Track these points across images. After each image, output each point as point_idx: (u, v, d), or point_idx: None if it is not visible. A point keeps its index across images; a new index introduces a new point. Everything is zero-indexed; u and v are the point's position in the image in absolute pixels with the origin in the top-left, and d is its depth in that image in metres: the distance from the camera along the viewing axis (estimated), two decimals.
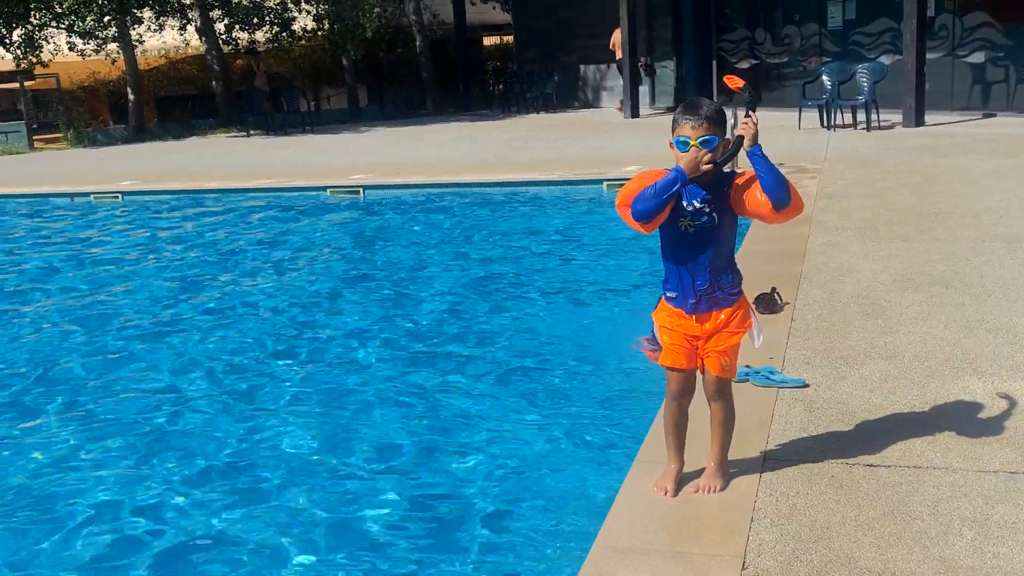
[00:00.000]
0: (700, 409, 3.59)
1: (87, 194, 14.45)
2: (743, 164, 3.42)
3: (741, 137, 3.29)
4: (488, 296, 7.82)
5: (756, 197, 3.30)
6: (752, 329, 3.49)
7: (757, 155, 3.28)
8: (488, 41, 34.68)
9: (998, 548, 3.05)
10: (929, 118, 15.60)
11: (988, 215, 8.23)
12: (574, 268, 8.55)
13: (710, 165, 3.25)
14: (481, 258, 9.26)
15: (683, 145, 3.26)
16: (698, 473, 3.60)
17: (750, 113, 3.32)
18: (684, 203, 3.35)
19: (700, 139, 3.24)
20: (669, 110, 22.61)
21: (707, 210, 3.34)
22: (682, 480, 3.58)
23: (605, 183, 11.91)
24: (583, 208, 11.43)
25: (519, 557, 3.78)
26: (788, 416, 4.19)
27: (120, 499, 4.49)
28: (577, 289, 7.78)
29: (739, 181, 3.35)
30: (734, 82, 3.37)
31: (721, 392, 3.53)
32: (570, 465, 4.54)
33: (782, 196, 3.26)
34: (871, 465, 3.67)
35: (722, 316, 3.43)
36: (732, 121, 11.48)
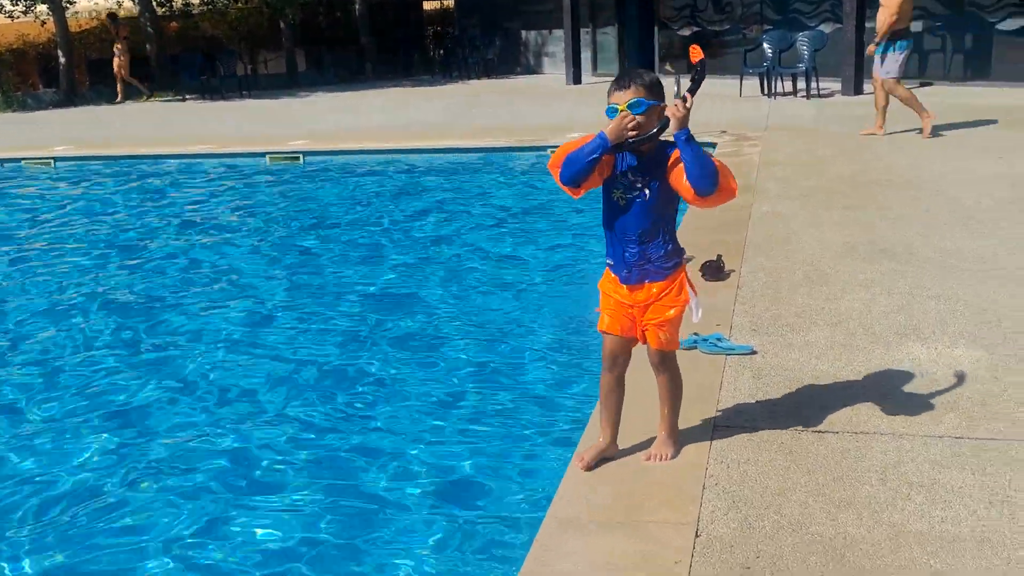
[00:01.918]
0: (647, 382, 3.58)
1: (18, 160, 14.05)
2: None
3: (667, 118, 3.21)
4: (428, 264, 7.74)
5: (681, 181, 3.21)
6: (691, 303, 3.42)
7: (682, 140, 3.17)
8: (428, 6, 34.30)
9: (945, 512, 3.10)
10: (867, 86, 15.75)
11: (928, 184, 8.35)
12: (517, 235, 8.51)
13: (635, 132, 3.18)
14: (422, 225, 9.17)
15: (612, 112, 3.21)
16: (637, 449, 3.60)
17: (686, 95, 3.20)
18: (619, 173, 3.31)
19: (628, 103, 3.18)
20: (612, 77, 22.61)
21: (639, 184, 3.29)
22: (611, 456, 3.55)
23: (549, 150, 11.84)
24: (525, 175, 11.38)
25: (470, 534, 3.75)
26: (737, 383, 4.21)
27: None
28: (519, 257, 7.74)
29: (674, 158, 3.24)
30: (696, 53, 3.30)
31: (664, 364, 3.50)
32: (520, 439, 4.51)
33: (705, 185, 3.15)
34: (820, 431, 3.69)
35: (654, 289, 3.37)
36: (676, 89, 11.46)
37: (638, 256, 3.34)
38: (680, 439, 3.60)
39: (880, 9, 10.53)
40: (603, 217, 3.43)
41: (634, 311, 3.42)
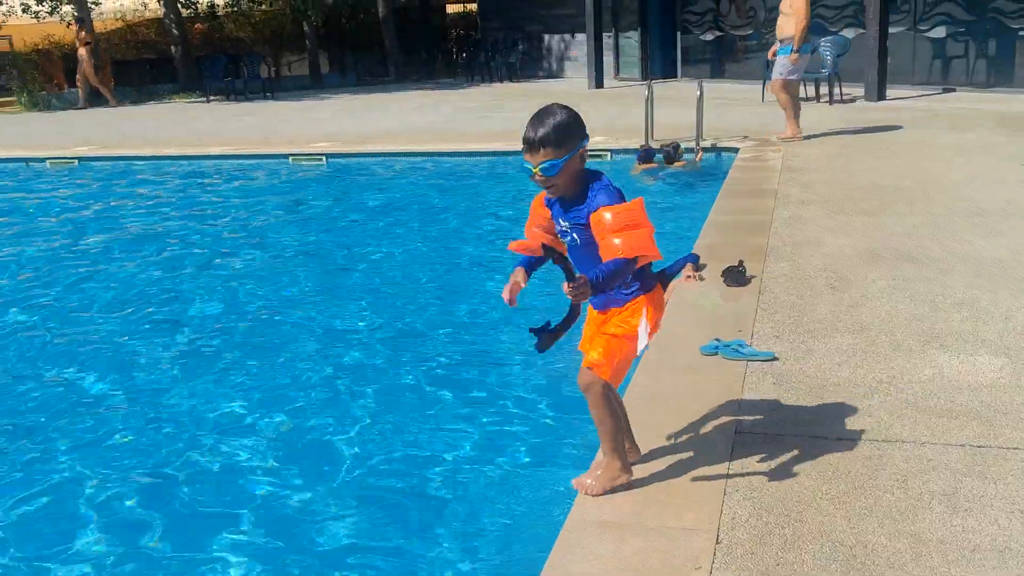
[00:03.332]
0: (679, 387, 3.59)
1: (43, 159, 14.19)
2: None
3: (576, 309, 3.10)
4: (452, 268, 7.78)
5: (598, 232, 3.06)
6: (639, 327, 3.20)
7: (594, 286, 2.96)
8: (452, 9, 34.42)
9: (966, 521, 3.09)
10: (890, 92, 15.72)
11: (950, 189, 8.31)
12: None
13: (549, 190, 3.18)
14: (445, 228, 9.20)
15: (526, 171, 3.12)
16: (658, 453, 3.60)
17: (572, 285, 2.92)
18: (555, 222, 3.29)
19: (540, 166, 3.07)
20: (634, 81, 22.61)
21: (567, 230, 3.23)
22: (633, 461, 3.50)
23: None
24: None
25: (490, 535, 3.77)
26: (758, 389, 4.21)
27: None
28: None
29: (594, 218, 3.05)
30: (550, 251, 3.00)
31: (587, 387, 3.27)
32: (545, 441, 4.53)
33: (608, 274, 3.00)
34: (841, 439, 3.69)
35: (616, 311, 3.27)
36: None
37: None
38: (700, 445, 3.60)
39: (783, 17, 11.10)
40: None
41: (592, 326, 3.37)
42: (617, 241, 3.01)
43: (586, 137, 3.15)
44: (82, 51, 22.99)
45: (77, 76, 23.18)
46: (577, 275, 2.92)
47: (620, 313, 3.24)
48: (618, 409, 3.40)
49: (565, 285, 2.91)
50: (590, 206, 3.10)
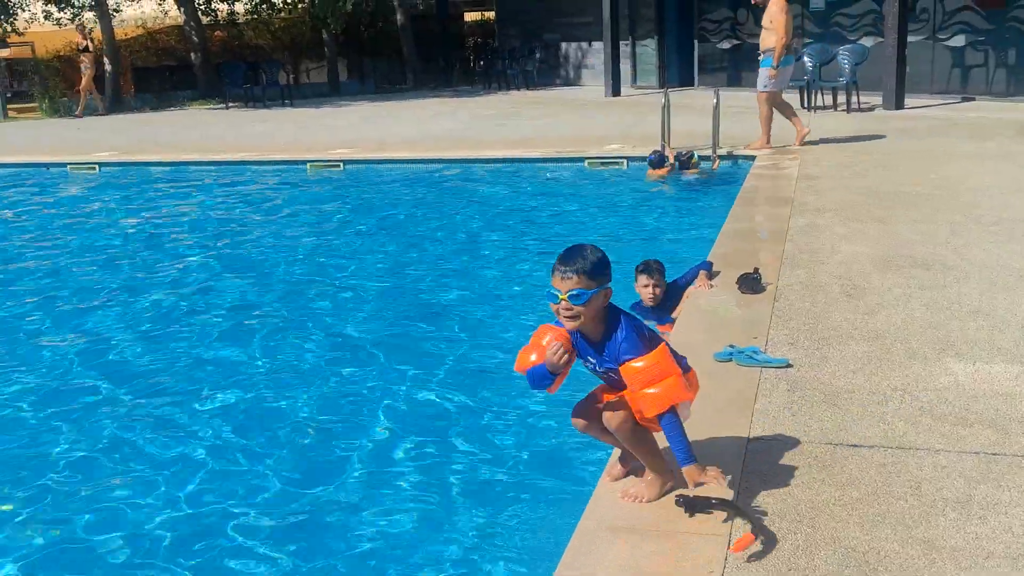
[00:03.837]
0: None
1: (63, 164, 14.30)
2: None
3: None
4: (466, 274, 7.81)
5: (631, 384, 3.14)
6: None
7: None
8: (469, 17, 34.52)
9: (980, 528, 3.08)
10: (909, 101, 15.68)
11: (967, 198, 8.29)
12: (553, 243, 8.54)
13: (573, 323, 3.12)
14: (462, 235, 9.23)
15: (553, 297, 3.11)
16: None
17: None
18: (584, 359, 3.29)
19: (569, 293, 3.06)
20: (651, 89, 22.61)
21: (602, 372, 3.28)
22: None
23: (586, 161, 11.90)
24: (563, 186, 11.42)
25: (503, 537, 3.78)
26: (772, 396, 4.21)
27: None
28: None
29: (628, 363, 3.13)
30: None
31: (610, 423, 3.31)
32: (556, 445, 4.54)
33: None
34: (854, 446, 3.69)
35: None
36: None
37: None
38: (713, 451, 3.60)
39: (765, 31, 11.45)
40: None
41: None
42: (653, 391, 3.12)
43: (610, 280, 3.17)
44: (84, 60, 23.03)
45: (80, 85, 23.20)
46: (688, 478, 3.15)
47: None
48: (645, 433, 3.38)
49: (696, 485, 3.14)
50: (618, 353, 3.15)
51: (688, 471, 3.14)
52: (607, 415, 3.31)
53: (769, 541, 3.03)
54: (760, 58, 11.57)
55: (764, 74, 11.45)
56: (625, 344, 3.15)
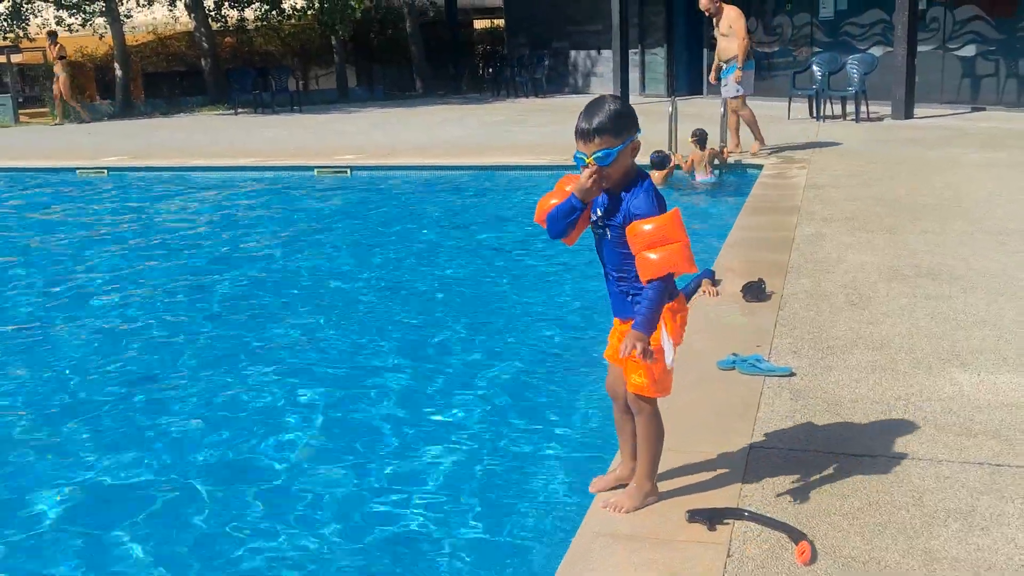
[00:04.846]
0: (685, 403, 3.58)
1: (73, 169, 14.35)
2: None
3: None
4: (472, 279, 7.80)
5: (634, 248, 3.06)
6: (663, 345, 3.11)
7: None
8: (479, 24, 34.58)
9: (982, 540, 3.06)
10: (918, 111, 15.63)
11: (975, 208, 8.25)
12: (559, 251, 8.53)
13: (596, 183, 3.05)
14: (468, 241, 9.22)
15: (579, 160, 3.07)
16: (670, 472, 3.58)
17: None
18: (592, 212, 3.21)
19: (594, 155, 3.03)
20: (659, 97, 22.60)
21: (601, 223, 3.18)
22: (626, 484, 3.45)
23: None
24: None
25: (502, 544, 3.77)
26: (774, 404, 4.19)
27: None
28: (560, 269, 7.77)
29: (635, 223, 3.05)
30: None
31: (637, 408, 3.28)
32: (556, 452, 4.52)
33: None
34: (856, 455, 3.67)
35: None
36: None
37: (617, 290, 3.24)
38: (715, 459, 3.59)
39: (724, 39, 11.76)
40: None
41: (619, 341, 3.26)
42: (653, 257, 3.02)
43: (639, 130, 3.12)
44: (57, 67, 22.94)
45: (56, 93, 23.00)
46: (628, 336, 2.99)
47: None
48: (663, 432, 3.36)
49: (628, 351, 2.98)
50: (627, 209, 3.08)
51: (635, 333, 2.99)
52: (628, 398, 3.29)
53: (806, 540, 3.02)
54: (724, 67, 11.85)
55: (730, 81, 11.75)
56: (637, 201, 3.07)
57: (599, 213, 3.18)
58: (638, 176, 3.13)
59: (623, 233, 3.10)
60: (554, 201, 3.22)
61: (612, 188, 3.13)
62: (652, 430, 3.31)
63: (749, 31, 11.86)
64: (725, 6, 11.76)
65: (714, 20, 11.94)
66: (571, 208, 3.14)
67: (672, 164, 11.11)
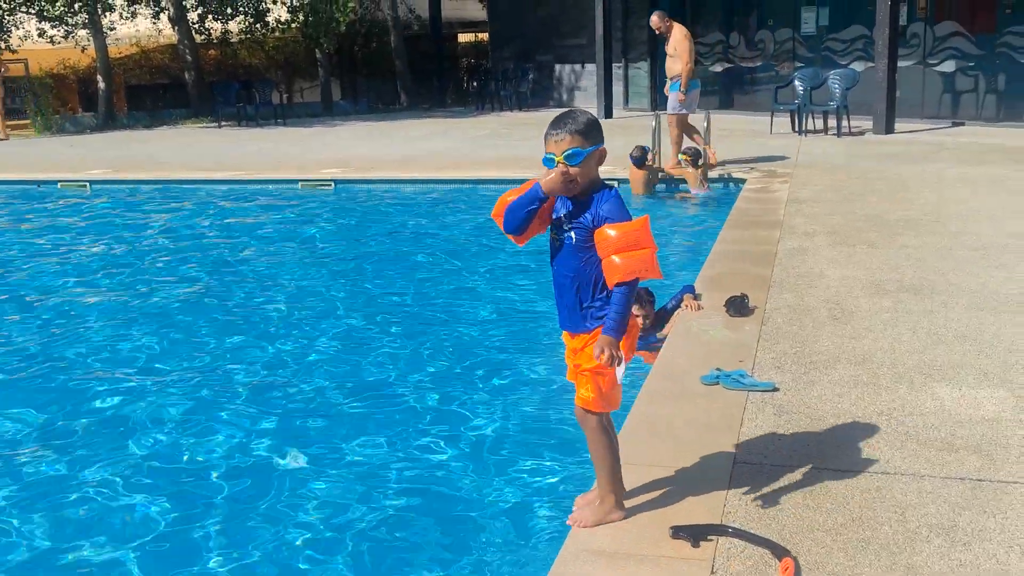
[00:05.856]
0: (672, 416, 3.58)
1: (54, 182, 14.28)
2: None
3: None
4: (458, 290, 7.80)
5: (602, 253, 3.08)
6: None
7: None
8: (463, 38, 34.65)
9: (964, 555, 3.07)
10: (899, 125, 15.74)
11: (956, 222, 8.31)
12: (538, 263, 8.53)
13: (563, 182, 3.08)
14: (449, 254, 9.22)
15: (549, 162, 3.11)
16: (655, 485, 3.58)
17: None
18: (555, 215, 3.23)
19: (564, 154, 3.07)
20: (643, 111, 22.69)
21: (567, 227, 3.17)
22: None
23: None
24: None
25: (488, 561, 3.76)
26: (758, 419, 4.19)
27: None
28: (536, 286, 7.78)
29: (604, 227, 3.07)
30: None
31: (584, 423, 3.29)
32: (541, 470, 4.52)
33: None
34: (839, 470, 3.68)
35: (586, 337, 3.19)
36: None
37: (572, 301, 3.21)
38: (698, 474, 3.59)
39: (670, 59, 12.07)
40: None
41: (572, 359, 3.29)
42: (618, 261, 3.04)
43: (603, 141, 3.17)
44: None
45: None
46: (599, 340, 3.05)
47: (589, 343, 3.17)
48: (615, 444, 3.38)
49: (599, 355, 3.04)
50: (596, 211, 3.11)
51: (605, 338, 3.05)
52: (576, 412, 3.31)
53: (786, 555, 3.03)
54: (668, 83, 12.12)
55: (674, 98, 12.01)
56: (608, 205, 3.11)
57: (563, 213, 3.20)
58: (604, 185, 3.18)
59: (589, 235, 3.12)
60: (511, 196, 3.26)
61: (578, 195, 3.16)
62: (601, 443, 3.31)
63: (698, 53, 12.11)
64: (675, 26, 12.04)
65: (665, 39, 12.20)
66: (533, 198, 3.17)
67: (651, 163, 11.28)
